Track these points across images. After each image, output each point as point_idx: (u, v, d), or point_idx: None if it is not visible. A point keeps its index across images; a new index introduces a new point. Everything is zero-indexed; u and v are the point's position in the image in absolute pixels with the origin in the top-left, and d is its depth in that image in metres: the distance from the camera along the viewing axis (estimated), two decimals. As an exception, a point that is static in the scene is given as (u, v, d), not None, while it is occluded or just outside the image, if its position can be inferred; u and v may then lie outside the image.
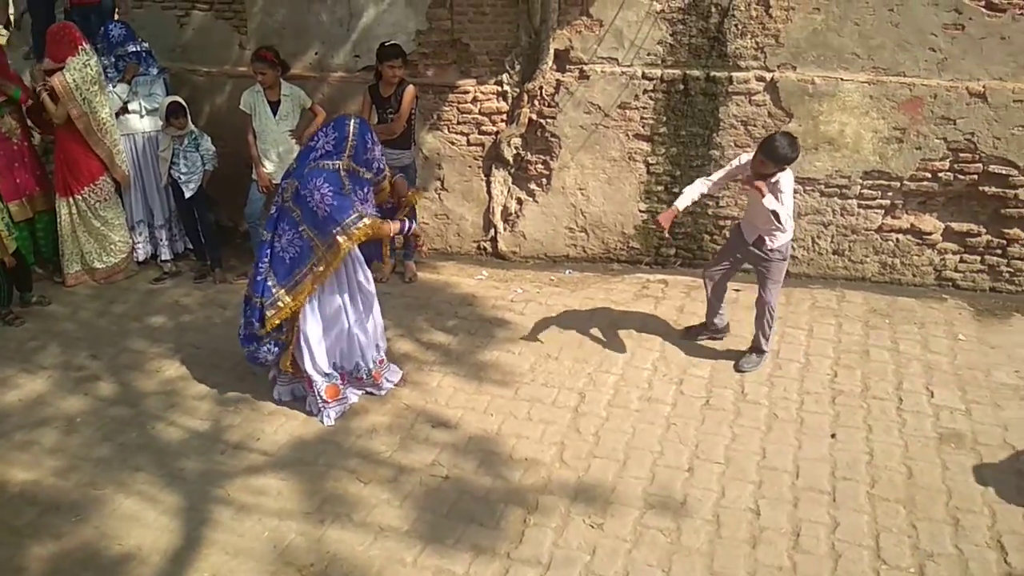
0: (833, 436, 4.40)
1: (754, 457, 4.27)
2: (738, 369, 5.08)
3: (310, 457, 4.39)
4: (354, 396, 4.86)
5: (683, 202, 4.86)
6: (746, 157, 4.78)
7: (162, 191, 6.65)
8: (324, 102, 6.57)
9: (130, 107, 6.48)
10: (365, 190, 4.52)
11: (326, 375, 4.69)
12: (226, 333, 5.60)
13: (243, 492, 4.13)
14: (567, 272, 6.63)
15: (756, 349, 5.14)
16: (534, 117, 6.38)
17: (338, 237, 4.30)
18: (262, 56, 6.00)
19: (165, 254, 6.77)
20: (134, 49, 6.50)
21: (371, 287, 4.78)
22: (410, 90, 5.96)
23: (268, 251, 4.54)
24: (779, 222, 4.69)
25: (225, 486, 4.18)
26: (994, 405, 4.64)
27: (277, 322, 4.52)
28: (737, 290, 6.11)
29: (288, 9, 6.62)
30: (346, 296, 4.65)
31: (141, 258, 6.77)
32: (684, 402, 4.78)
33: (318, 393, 4.65)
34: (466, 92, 6.44)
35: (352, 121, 4.41)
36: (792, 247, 6.15)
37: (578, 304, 6.00)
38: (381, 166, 4.56)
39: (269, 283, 4.52)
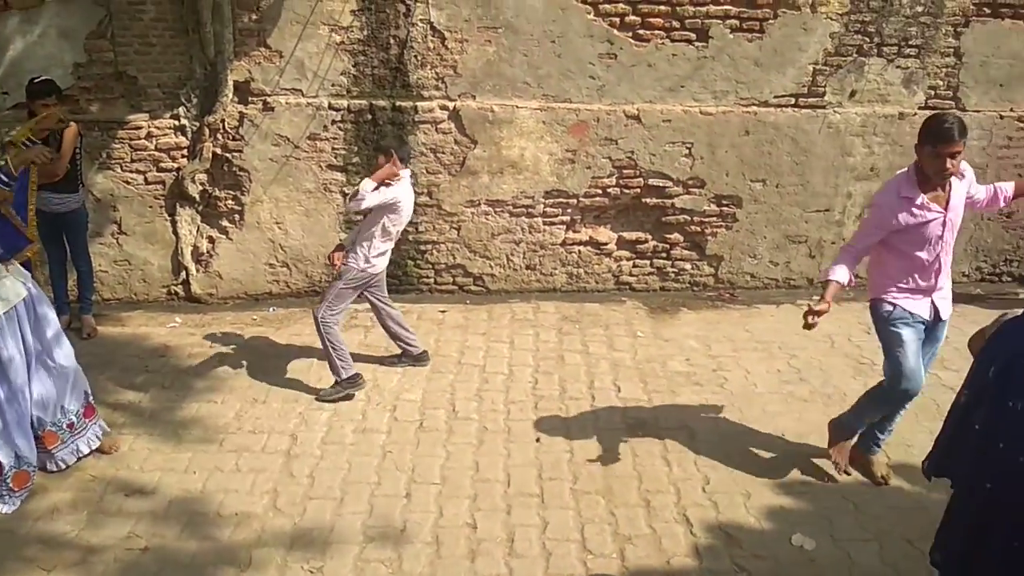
0: (538, 440, 4.66)
1: (468, 472, 4.38)
2: (319, 399, 5.05)
3: (-25, 553, 3.78)
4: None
5: None
6: None
7: None
8: (-34, 144, 5.75)
9: None
10: None
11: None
12: None
13: None
14: (271, 310, 6.39)
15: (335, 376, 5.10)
16: (219, 151, 6.09)
17: None
18: None
19: None
20: None
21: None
22: (72, 128, 5.39)
23: None
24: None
25: None
26: (671, 392, 5.19)
27: None
28: (443, 311, 6.30)
29: (-88, 41, 5.73)
30: None
31: None
32: (399, 428, 4.80)
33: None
34: (138, 128, 5.99)
35: None
36: (490, 265, 6.50)
37: (285, 342, 5.81)
38: None
39: None
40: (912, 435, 4.56)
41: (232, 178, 6.19)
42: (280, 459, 4.49)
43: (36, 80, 5.30)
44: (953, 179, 3.81)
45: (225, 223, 6.33)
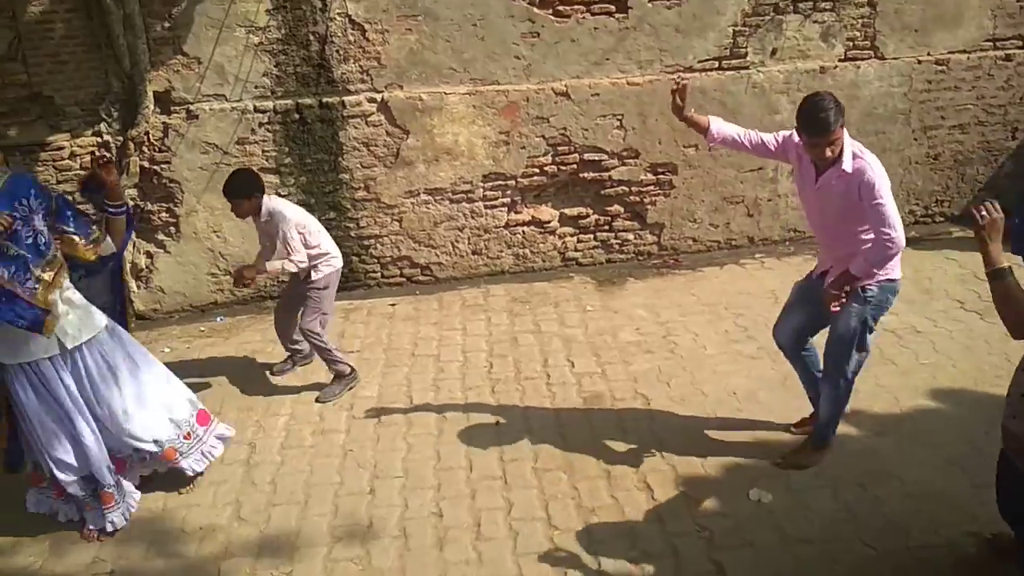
0: (497, 423, 4.70)
1: (430, 462, 4.41)
2: (319, 400, 5.06)
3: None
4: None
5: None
6: None
7: None
8: None
9: None
10: None
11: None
12: None
13: None
14: (218, 319, 6.32)
15: (336, 376, 5.14)
16: (146, 165, 5.96)
17: None
18: None
19: None
20: None
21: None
22: None
23: None
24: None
25: None
26: (623, 363, 5.27)
27: None
28: (392, 304, 6.29)
29: None
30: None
31: None
32: (357, 426, 4.80)
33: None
34: (60, 148, 5.82)
35: None
36: (436, 254, 6.50)
37: (234, 351, 5.75)
38: None
39: None
40: (859, 383, 4.69)
41: (163, 190, 6.08)
42: (240, 468, 4.46)
43: None
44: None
45: (161, 236, 6.21)
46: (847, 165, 3.56)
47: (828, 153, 3.53)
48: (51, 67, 5.66)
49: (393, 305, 6.30)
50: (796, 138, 3.75)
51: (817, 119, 3.46)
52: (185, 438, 4.17)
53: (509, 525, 3.89)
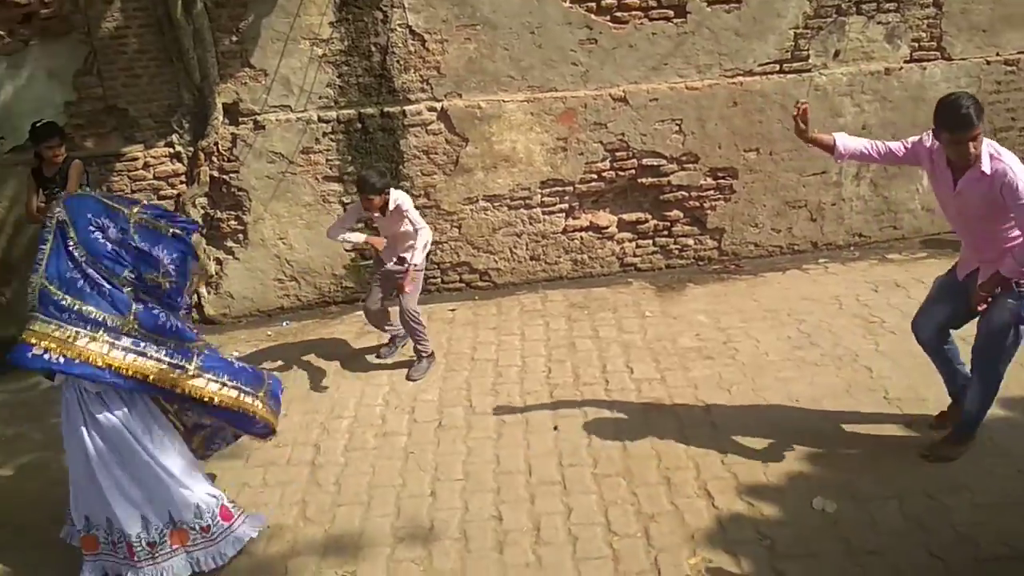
0: (556, 428, 4.72)
1: (490, 466, 4.45)
2: (410, 378, 5.40)
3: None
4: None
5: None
6: None
7: None
8: (-30, 192, 5.87)
9: None
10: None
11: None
12: None
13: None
14: (284, 324, 6.48)
15: (419, 355, 5.46)
16: (216, 174, 6.17)
17: None
18: None
19: None
20: None
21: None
22: (76, 164, 5.52)
23: None
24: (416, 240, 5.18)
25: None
26: (683, 369, 5.23)
27: None
28: (452, 309, 6.37)
29: (-97, 95, 5.82)
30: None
31: None
32: (419, 429, 4.87)
33: None
34: (135, 159, 6.07)
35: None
36: (494, 259, 6.56)
37: (300, 354, 5.89)
38: None
39: None
40: (926, 389, 4.59)
41: (232, 199, 6.27)
42: (306, 470, 4.58)
43: (38, 124, 5.39)
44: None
45: (230, 243, 6.41)
46: (986, 167, 3.53)
47: (972, 150, 3.50)
48: (125, 80, 5.90)
49: (453, 310, 6.38)
50: (928, 142, 3.76)
51: (960, 116, 3.44)
52: (203, 531, 3.81)
53: (568, 530, 3.91)
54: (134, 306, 3.52)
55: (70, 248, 3.44)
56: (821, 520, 3.80)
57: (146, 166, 6.11)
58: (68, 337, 3.39)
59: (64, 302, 3.42)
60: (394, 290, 5.33)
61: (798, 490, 4.01)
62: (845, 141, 4.01)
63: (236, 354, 5.89)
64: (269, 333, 6.35)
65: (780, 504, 3.93)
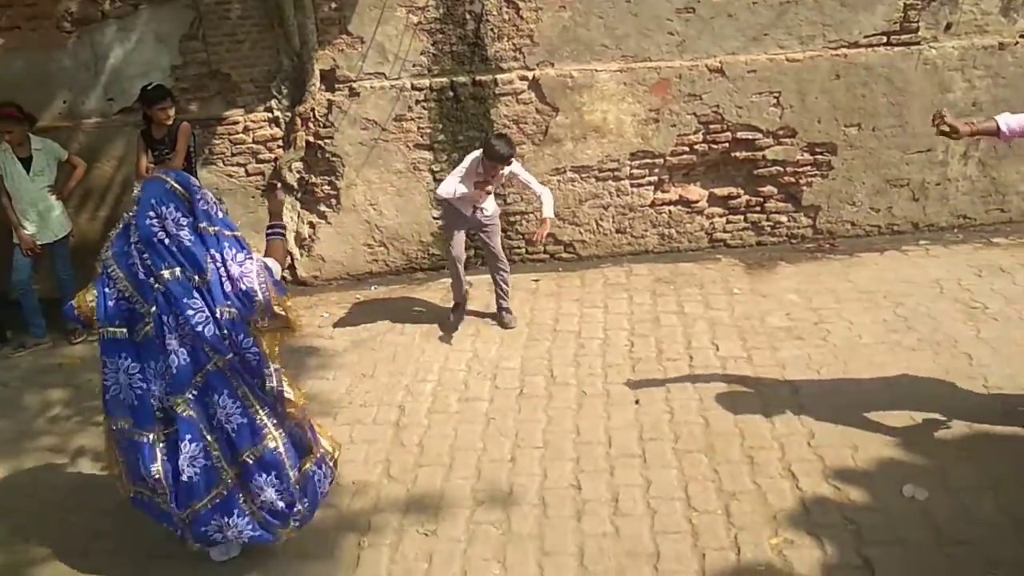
0: (637, 402, 4.70)
1: (569, 435, 4.47)
2: (507, 327, 5.67)
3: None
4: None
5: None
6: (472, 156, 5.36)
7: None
8: (82, 151, 6.17)
9: None
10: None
11: None
12: (9, 413, 5.23)
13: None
14: (372, 288, 6.62)
15: (507, 308, 5.75)
16: (311, 139, 6.31)
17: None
18: (5, 114, 5.59)
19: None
20: None
21: None
22: (184, 127, 5.74)
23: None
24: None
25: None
26: (771, 348, 5.12)
27: None
28: (535, 280, 6.38)
29: (25, 60, 6.12)
30: None
31: None
32: (500, 395, 4.93)
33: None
34: (236, 123, 6.26)
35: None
36: (579, 231, 6.53)
37: (387, 318, 6.01)
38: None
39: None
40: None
41: (326, 164, 6.42)
42: (390, 430, 4.69)
43: (149, 87, 5.62)
44: None
45: (323, 208, 6.57)
46: None
47: None
48: (229, 46, 6.08)
49: (536, 281, 6.39)
50: None
51: None
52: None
53: (647, 503, 3.90)
54: (153, 308, 3.27)
55: (129, 231, 3.32)
56: (911, 508, 3.68)
57: (246, 130, 6.30)
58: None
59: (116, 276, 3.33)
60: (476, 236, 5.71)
61: (888, 476, 3.89)
62: (1008, 120, 3.84)
63: (325, 315, 6.10)
64: (358, 296, 6.49)
65: (868, 489, 3.82)
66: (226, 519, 3.47)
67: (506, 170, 5.31)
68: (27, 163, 5.75)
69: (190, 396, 3.32)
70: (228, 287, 3.31)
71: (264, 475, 3.47)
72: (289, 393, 3.56)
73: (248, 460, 3.44)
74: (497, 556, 3.70)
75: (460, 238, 5.59)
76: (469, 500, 4.05)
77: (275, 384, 3.48)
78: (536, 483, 4.12)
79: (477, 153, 5.33)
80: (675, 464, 4.15)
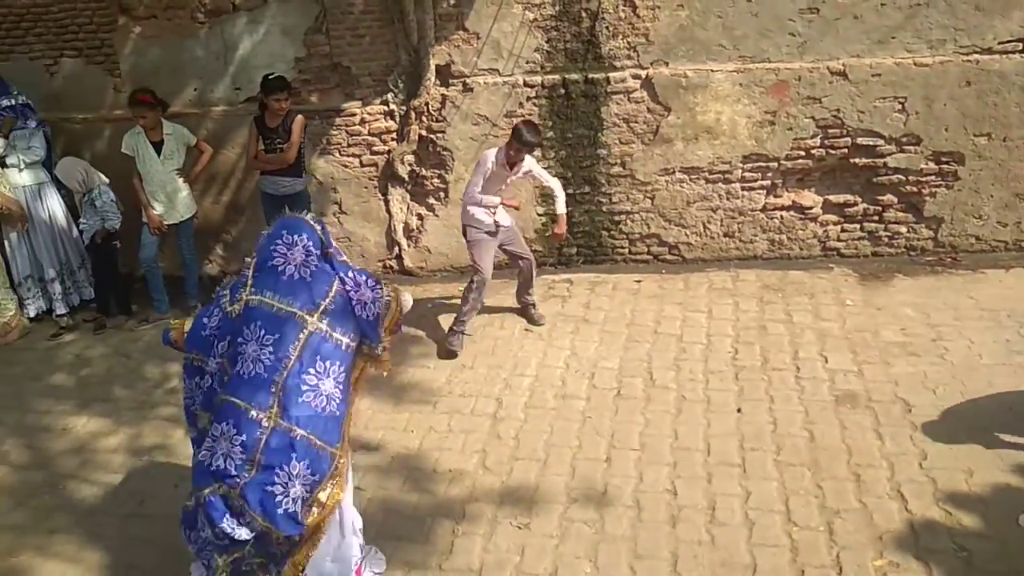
0: (739, 411, 4.61)
1: (667, 440, 4.43)
2: (538, 322, 5.79)
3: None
4: None
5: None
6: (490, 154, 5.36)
7: (50, 244, 6.46)
8: (208, 137, 6.51)
9: (8, 161, 6.25)
10: None
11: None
12: (131, 383, 5.54)
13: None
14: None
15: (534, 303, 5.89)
16: (424, 133, 6.45)
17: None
18: (140, 99, 5.92)
19: (60, 308, 6.53)
20: (8, 103, 6.29)
21: None
22: (299, 119, 5.96)
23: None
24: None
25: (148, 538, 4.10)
26: (883, 363, 4.93)
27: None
28: (638, 281, 6.33)
29: (161, 48, 6.50)
30: None
31: (32, 314, 6.52)
32: (597, 395, 4.92)
33: None
34: (353, 114, 6.46)
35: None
36: (685, 233, 6.44)
37: (489, 311, 6.08)
38: None
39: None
40: None
41: (436, 158, 6.54)
42: (488, 421, 4.76)
43: (270, 76, 5.87)
44: None
45: (432, 201, 6.70)
46: None
47: None
48: (350, 40, 6.28)
49: (639, 281, 6.34)
50: None
51: None
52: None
53: (745, 513, 3.83)
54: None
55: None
56: (1029, 540, 3.49)
57: (362, 122, 6.49)
58: None
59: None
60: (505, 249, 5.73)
61: (1004, 504, 3.70)
62: None
63: (429, 306, 6.22)
64: (460, 289, 6.57)
65: (982, 516, 3.64)
66: None
67: (526, 162, 5.35)
68: (159, 147, 6.09)
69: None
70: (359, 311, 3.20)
71: None
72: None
73: None
74: (589, 555, 3.70)
75: (490, 260, 5.59)
76: (563, 497, 4.07)
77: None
78: (631, 485, 4.10)
79: (492, 150, 5.38)
80: (776, 476, 4.05)
